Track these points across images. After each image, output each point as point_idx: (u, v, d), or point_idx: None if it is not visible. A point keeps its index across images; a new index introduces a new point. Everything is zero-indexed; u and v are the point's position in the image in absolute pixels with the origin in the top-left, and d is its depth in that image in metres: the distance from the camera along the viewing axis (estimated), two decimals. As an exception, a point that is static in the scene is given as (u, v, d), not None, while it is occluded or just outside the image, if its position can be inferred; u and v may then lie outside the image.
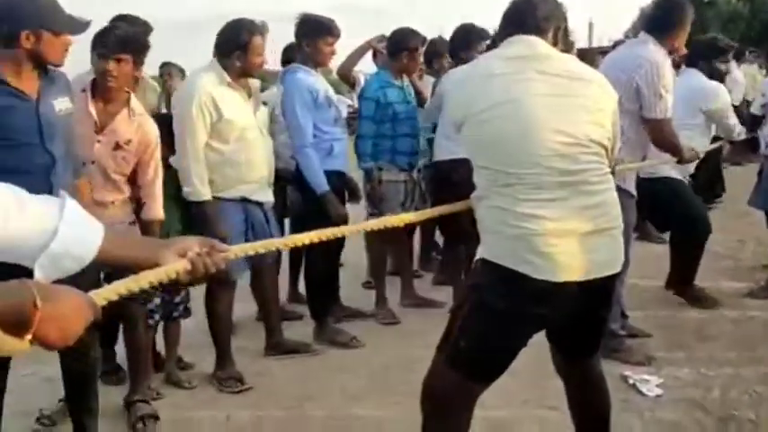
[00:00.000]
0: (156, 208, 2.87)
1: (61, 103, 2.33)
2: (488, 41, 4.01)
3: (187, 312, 3.30)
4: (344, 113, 4.24)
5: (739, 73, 9.20)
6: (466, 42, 4.02)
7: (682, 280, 4.13)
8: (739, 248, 5.32)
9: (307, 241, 1.76)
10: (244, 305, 3.70)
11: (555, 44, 2.03)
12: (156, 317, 3.16)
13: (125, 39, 2.70)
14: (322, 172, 3.53)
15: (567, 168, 1.86)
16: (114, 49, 2.66)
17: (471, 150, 2.01)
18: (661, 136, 3.19)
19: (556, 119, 1.87)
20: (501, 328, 1.91)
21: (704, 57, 4.15)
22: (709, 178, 6.15)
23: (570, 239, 1.86)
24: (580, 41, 37.78)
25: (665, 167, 3.70)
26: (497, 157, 1.90)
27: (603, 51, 6.51)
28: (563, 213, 1.86)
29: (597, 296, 1.98)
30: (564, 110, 1.89)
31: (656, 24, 3.22)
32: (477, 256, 2.00)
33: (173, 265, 1.29)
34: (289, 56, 4.11)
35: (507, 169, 1.88)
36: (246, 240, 3.03)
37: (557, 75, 1.92)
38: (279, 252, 3.71)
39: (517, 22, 2.00)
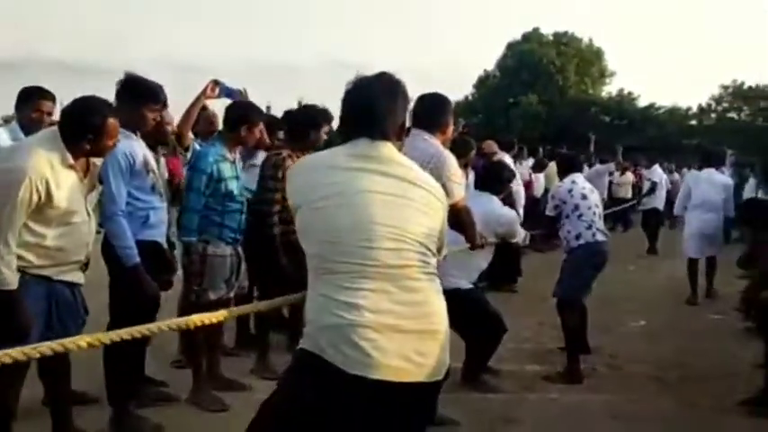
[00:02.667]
0: None
1: None
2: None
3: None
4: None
5: (540, 174, 10.34)
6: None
7: (477, 369, 4.35)
8: (539, 332, 5.73)
9: (107, 341, 1.57)
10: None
11: (399, 138, 2.08)
12: None
13: None
14: (133, 242, 3.27)
15: (393, 263, 1.87)
16: None
17: (302, 237, 1.98)
18: (460, 217, 3.33)
19: (388, 215, 1.89)
20: (297, 421, 1.86)
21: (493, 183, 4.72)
22: (505, 264, 6.68)
23: (390, 335, 1.82)
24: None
25: (453, 279, 3.85)
26: (326, 245, 1.88)
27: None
28: (384, 306, 1.84)
29: (415, 403, 1.90)
30: (397, 208, 1.92)
31: (427, 120, 3.37)
32: (299, 345, 1.94)
33: None
34: None
35: (334, 257, 1.86)
36: (49, 318, 2.85)
37: (396, 177, 1.96)
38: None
39: (363, 125, 2.00)
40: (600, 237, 4.81)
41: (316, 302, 1.89)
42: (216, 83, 4.19)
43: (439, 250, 2.07)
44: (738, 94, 35.13)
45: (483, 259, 4.37)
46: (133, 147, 3.36)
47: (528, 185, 9.24)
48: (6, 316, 2.63)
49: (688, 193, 7.53)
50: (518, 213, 7.93)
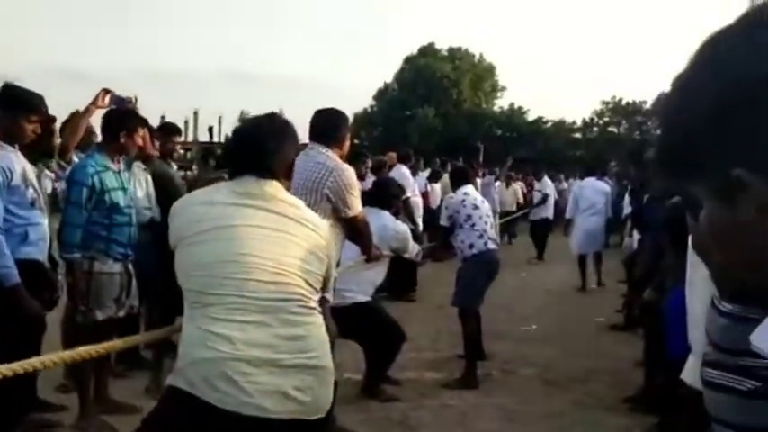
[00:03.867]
0: None
1: None
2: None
3: None
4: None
5: (436, 185, 10.60)
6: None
7: (377, 379, 4.40)
8: (437, 339, 5.86)
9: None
10: None
11: (287, 177, 2.07)
12: None
13: None
14: (12, 261, 3.06)
15: (272, 296, 1.85)
16: None
17: (179, 274, 1.93)
18: (358, 229, 3.38)
19: (267, 248, 1.87)
20: None
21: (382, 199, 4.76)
22: (403, 274, 6.81)
23: (268, 370, 1.78)
24: (302, 137, 40.28)
25: (349, 294, 4.04)
26: (202, 278, 1.86)
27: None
28: (262, 340, 1.79)
29: None
30: (277, 242, 1.90)
31: (324, 134, 3.38)
32: (167, 382, 1.86)
33: None
34: None
35: (210, 290, 1.84)
36: None
37: (279, 213, 1.95)
38: None
39: (251, 162, 1.99)
40: (491, 245, 5.01)
41: (190, 335, 1.84)
42: (106, 92, 4.01)
43: (324, 288, 2.05)
44: (617, 110, 37.56)
45: (378, 274, 4.45)
46: (11, 160, 3.15)
47: (425, 196, 9.44)
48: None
49: (576, 199, 8.79)
50: (416, 223, 8.12)
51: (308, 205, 2.87)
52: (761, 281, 0.59)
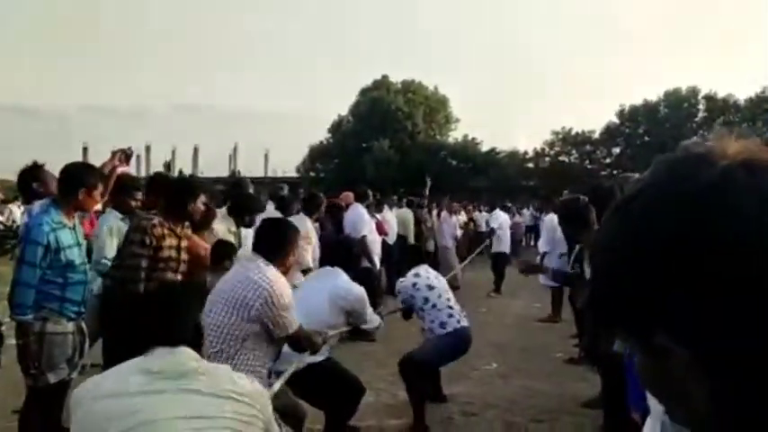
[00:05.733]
0: None
1: None
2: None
3: None
4: None
5: (392, 215, 10.64)
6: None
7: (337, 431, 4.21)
8: (395, 383, 5.79)
9: None
10: None
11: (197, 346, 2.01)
12: None
13: None
14: None
15: None
16: None
17: None
18: (299, 344, 3.32)
19: None
20: None
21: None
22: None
23: None
24: (257, 172, 40.00)
25: (307, 358, 3.73)
26: None
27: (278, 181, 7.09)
28: None
29: None
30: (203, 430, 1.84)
31: (271, 250, 3.21)
32: None
33: None
34: None
35: None
36: None
37: (200, 393, 1.87)
38: None
39: (161, 336, 1.93)
40: (464, 322, 4.92)
41: None
42: (123, 151, 4.20)
43: None
44: (568, 140, 38.49)
45: (334, 339, 4.15)
46: None
47: (380, 227, 9.25)
48: None
49: (548, 232, 8.71)
50: (374, 263, 8.10)
51: (227, 324, 2.91)
52: (701, 428, 0.58)
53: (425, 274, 5.07)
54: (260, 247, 3.23)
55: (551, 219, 8.87)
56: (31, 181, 4.29)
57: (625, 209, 0.58)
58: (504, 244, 11.95)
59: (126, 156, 4.45)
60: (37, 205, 3.99)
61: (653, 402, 2.19)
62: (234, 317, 2.96)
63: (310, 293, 4.03)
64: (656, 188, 0.57)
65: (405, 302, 4.96)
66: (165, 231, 3.84)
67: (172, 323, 1.93)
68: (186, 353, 1.90)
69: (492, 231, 12.02)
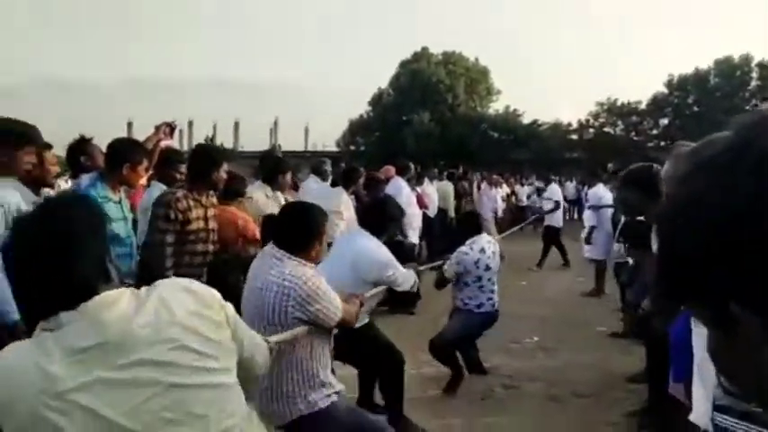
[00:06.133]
0: None
1: None
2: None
3: None
4: None
5: (432, 189, 10.59)
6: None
7: (395, 405, 4.14)
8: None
9: None
10: None
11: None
12: None
13: None
14: (13, 302, 3.03)
15: None
16: None
17: None
18: (348, 323, 3.07)
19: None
20: None
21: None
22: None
23: None
24: (297, 146, 40.25)
25: None
26: None
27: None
28: None
29: None
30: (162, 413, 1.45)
31: (292, 240, 2.89)
32: None
33: None
34: None
35: None
36: None
37: (140, 360, 1.43)
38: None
39: (58, 295, 1.43)
40: (497, 306, 5.03)
41: None
42: (168, 125, 4.30)
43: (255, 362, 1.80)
44: (613, 111, 37.59)
45: (372, 300, 3.99)
46: (10, 194, 3.14)
47: (420, 199, 9.20)
48: None
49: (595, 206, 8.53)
50: (405, 236, 7.86)
51: (275, 328, 2.71)
52: (763, 402, 0.59)
53: (489, 250, 5.00)
54: (281, 239, 2.88)
55: (596, 192, 8.69)
56: (78, 155, 4.38)
57: (698, 175, 0.57)
58: (556, 218, 11.62)
59: (170, 129, 4.52)
60: (84, 179, 4.08)
61: (707, 375, 2.13)
62: (276, 329, 2.71)
63: (333, 261, 3.73)
64: (734, 152, 0.55)
65: (457, 273, 4.92)
66: (191, 203, 3.85)
67: (67, 275, 1.43)
68: (98, 302, 1.45)
69: (557, 205, 11.62)
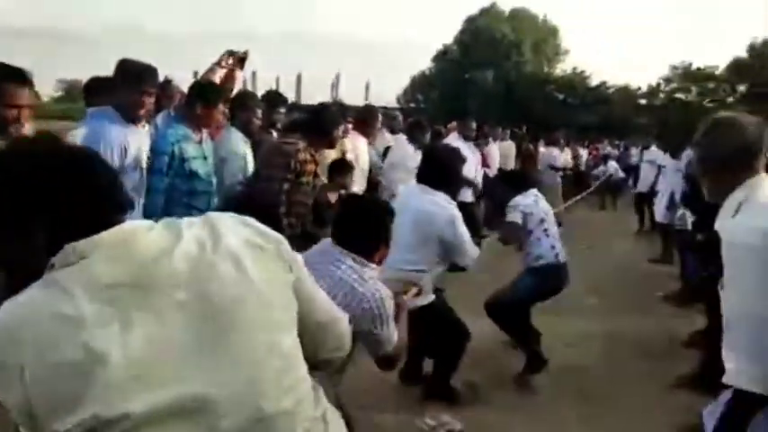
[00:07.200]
0: None
1: None
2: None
3: None
4: None
5: (495, 148, 10.51)
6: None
7: (445, 380, 4.05)
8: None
9: None
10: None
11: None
12: None
13: None
14: None
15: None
16: None
17: None
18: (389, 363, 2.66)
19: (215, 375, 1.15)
20: None
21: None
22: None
23: None
24: (357, 101, 40.23)
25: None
26: None
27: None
28: None
29: None
30: (215, 355, 1.17)
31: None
32: None
33: None
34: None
35: None
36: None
37: (187, 292, 1.16)
38: None
39: (90, 215, 1.15)
40: (561, 258, 4.48)
41: None
42: (230, 54, 4.31)
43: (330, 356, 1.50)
44: (688, 75, 36.00)
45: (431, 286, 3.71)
46: (120, 134, 3.36)
47: (484, 161, 9.09)
48: None
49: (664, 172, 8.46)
50: (462, 196, 7.57)
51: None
52: None
53: (543, 201, 4.66)
54: (346, 238, 2.39)
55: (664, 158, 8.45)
56: (160, 96, 4.53)
57: None
58: (645, 183, 11.11)
59: (240, 60, 4.39)
60: (158, 118, 4.25)
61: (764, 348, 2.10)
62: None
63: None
64: None
65: (523, 216, 4.44)
66: (308, 157, 4.04)
67: (97, 193, 1.18)
68: (125, 230, 1.19)
69: (659, 170, 10.73)
